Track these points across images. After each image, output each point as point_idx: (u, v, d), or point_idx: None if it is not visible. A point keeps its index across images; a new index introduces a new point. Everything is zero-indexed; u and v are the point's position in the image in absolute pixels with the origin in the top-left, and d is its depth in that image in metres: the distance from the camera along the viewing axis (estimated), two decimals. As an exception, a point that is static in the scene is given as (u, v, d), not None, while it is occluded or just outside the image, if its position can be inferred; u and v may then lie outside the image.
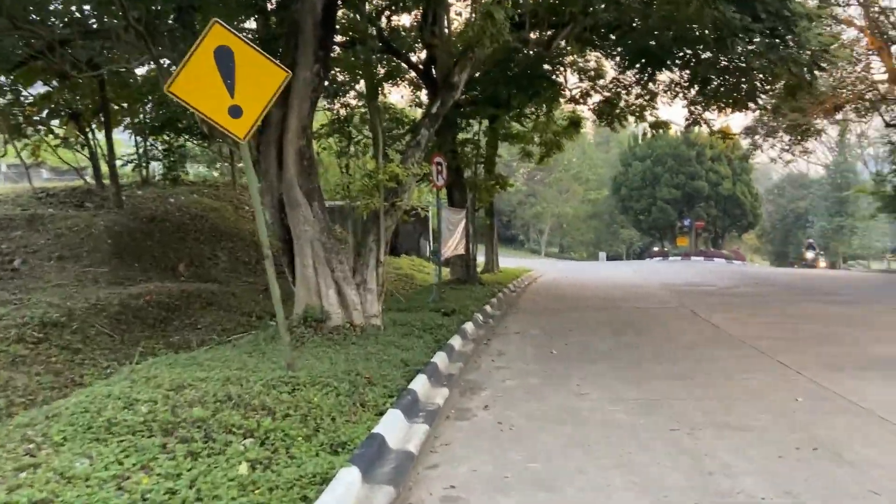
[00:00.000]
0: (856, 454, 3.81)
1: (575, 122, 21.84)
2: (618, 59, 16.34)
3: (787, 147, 25.52)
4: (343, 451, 3.76)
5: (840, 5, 20.64)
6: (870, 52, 21.44)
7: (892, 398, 4.99)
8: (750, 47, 11.27)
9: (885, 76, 21.89)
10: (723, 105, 16.38)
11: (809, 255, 27.64)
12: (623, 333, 8.65)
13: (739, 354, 6.88)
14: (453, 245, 13.00)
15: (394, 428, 4.16)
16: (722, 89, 12.96)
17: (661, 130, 19.20)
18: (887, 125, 23.34)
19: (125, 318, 9.75)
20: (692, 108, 17.59)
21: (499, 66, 12.81)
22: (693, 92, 15.81)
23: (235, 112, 4.64)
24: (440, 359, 6.31)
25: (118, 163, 16.15)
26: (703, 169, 41.41)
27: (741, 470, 3.61)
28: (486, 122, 17.61)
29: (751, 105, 16.05)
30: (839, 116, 24.04)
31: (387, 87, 16.09)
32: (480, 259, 23.73)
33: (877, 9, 20.44)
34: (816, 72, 12.43)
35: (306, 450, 3.72)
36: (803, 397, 5.06)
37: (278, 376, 4.84)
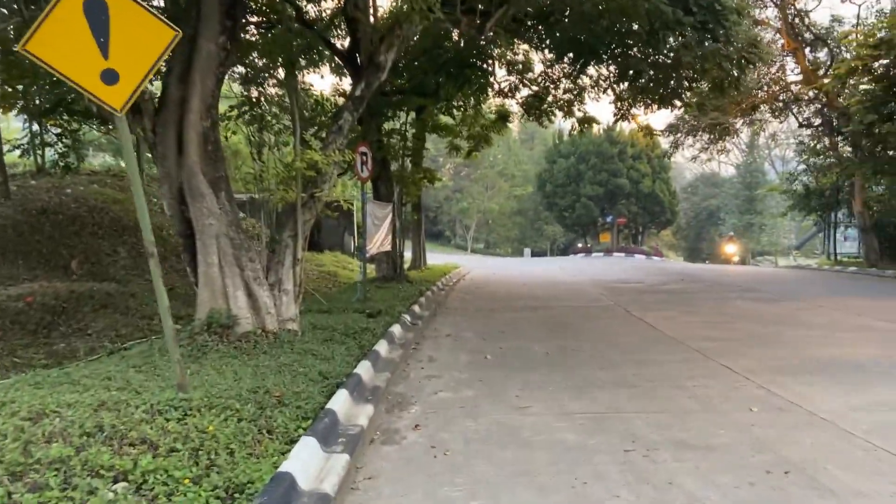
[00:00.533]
0: (833, 479, 3.40)
1: (503, 116, 21.52)
2: (547, 51, 16.06)
3: (706, 146, 26.19)
4: (241, 497, 3.03)
5: (758, 7, 21.22)
6: (785, 54, 22.18)
7: (846, 407, 4.70)
8: (681, 40, 11.13)
9: (800, 77, 22.73)
10: (650, 101, 16.40)
11: (730, 249, 28.45)
12: (559, 335, 8.21)
13: (682, 358, 6.53)
14: (379, 241, 12.27)
15: (307, 462, 3.44)
16: (651, 84, 12.83)
17: (588, 126, 19.11)
18: (800, 125, 24.29)
19: (0, 323, 8.54)
20: (620, 103, 17.57)
21: (427, 54, 12.18)
22: (623, 87, 15.71)
23: (110, 77, 3.78)
24: (364, 369, 5.62)
25: (5, 148, 14.46)
26: (625, 167, 42.30)
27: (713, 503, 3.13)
28: (413, 114, 16.95)
29: (676, 102, 16.14)
30: (755, 116, 24.81)
31: (308, 73, 15.20)
32: (408, 255, 23.06)
33: (792, 11, 21.13)
34: (744, 68, 12.51)
35: (193, 497, 2.96)
36: (758, 407, 4.69)
37: (167, 399, 4.02)
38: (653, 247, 46.19)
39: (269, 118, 8.51)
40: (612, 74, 15.28)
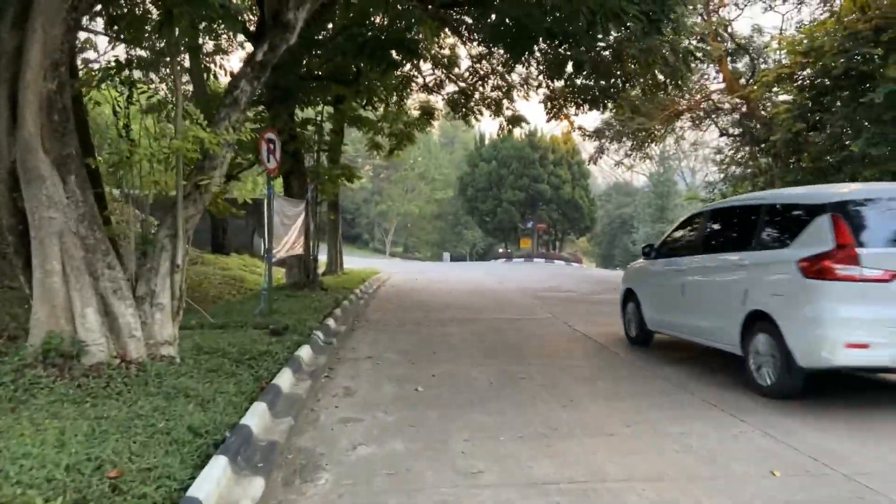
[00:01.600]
0: None
1: (428, 113, 20.30)
2: (478, 42, 14.99)
3: (629, 152, 26.01)
4: None
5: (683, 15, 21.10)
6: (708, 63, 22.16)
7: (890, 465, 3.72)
8: (624, 32, 10.28)
9: (722, 85, 22.81)
10: (581, 101, 15.63)
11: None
12: (501, 356, 7.02)
13: (654, 391, 5.45)
14: (289, 243, 10.72)
15: None
16: (590, 79, 11.90)
17: (516, 126, 18.22)
18: (721, 133, 24.42)
19: None
20: (550, 103, 16.75)
21: (346, 31, 10.74)
22: (555, 85, 14.84)
23: None
24: (258, 415, 4.18)
25: None
26: (546, 173, 42.19)
27: None
28: (330, 106, 15.45)
29: (608, 103, 15.45)
30: (678, 125, 24.80)
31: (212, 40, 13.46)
32: (323, 259, 21.44)
33: (717, 18, 21.10)
34: (689, 64, 11.86)
35: None
36: (778, 468, 3.62)
37: None
38: (572, 253, 46.37)
39: (142, 85, 6.84)
40: (546, 69, 14.36)
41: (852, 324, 4.75)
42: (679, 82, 11.89)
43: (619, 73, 11.45)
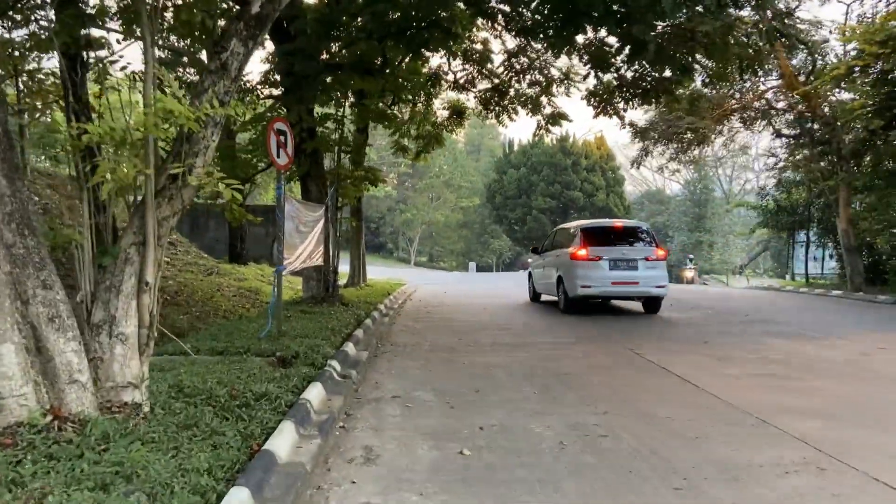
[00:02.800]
0: None
1: (458, 112, 18.94)
2: (516, 30, 13.55)
3: (674, 155, 24.32)
4: None
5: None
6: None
7: None
8: (697, 8, 8.75)
9: (777, 82, 21.06)
10: (631, 95, 14.11)
11: (688, 273, 26.38)
12: (564, 398, 5.52)
13: (796, 461, 3.89)
14: (306, 253, 9.36)
15: None
16: (647, 66, 10.26)
17: (556, 125, 16.71)
18: (777, 135, 22.61)
19: None
20: (596, 97, 15.24)
21: (370, 8, 9.35)
22: (606, 75, 13.32)
23: None
24: (232, 514, 2.77)
25: None
26: (579, 179, 40.53)
27: None
28: (351, 100, 14.14)
29: (662, 97, 13.90)
30: (726, 126, 23.06)
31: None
32: (344, 269, 20.19)
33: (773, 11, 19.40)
34: (773, 42, 10.29)
35: None
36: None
37: None
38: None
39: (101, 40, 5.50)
40: (591, 60, 12.85)
41: (584, 278, 11.48)
42: (756, 66, 10.30)
43: (685, 54, 9.85)
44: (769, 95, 22.20)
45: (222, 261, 19.43)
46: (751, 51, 9.74)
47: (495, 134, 75.52)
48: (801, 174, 23.63)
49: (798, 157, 22.06)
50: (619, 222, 13.79)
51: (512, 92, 17.33)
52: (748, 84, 22.18)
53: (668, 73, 11.89)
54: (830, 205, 22.93)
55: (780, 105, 22.16)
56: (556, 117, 16.37)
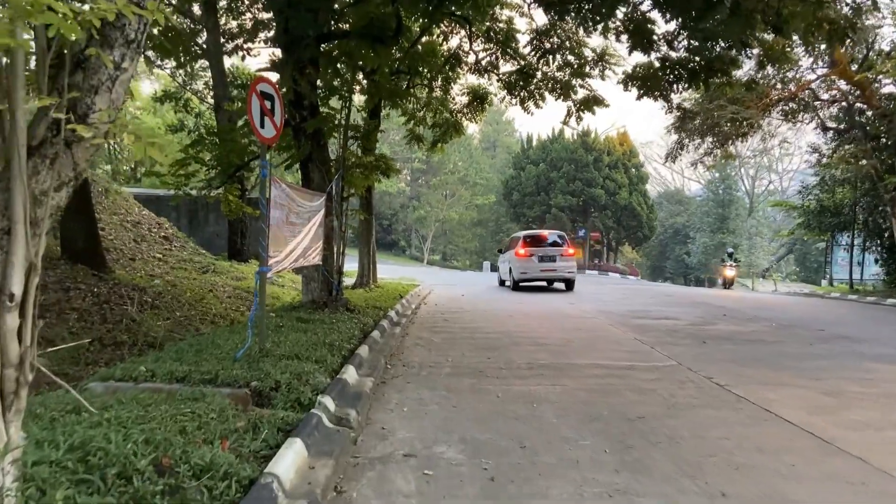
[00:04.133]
0: None
1: (479, 98, 17.29)
2: (546, 3, 11.88)
3: (709, 149, 22.50)
4: None
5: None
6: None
7: None
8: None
9: (825, 71, 19.19)
10: (676, 78, 12.41)
11: (730, 272, 24.27)
12: (653, 465, 3.83)
13: None
14: (300, 249, 7.75)
15: None
16: (729, 20, 8.54)
17: (589, 110, 14.97)
18: (823, 128, 20.73)
19: None
20: (634, 81, 13.55)
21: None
22: (647, 55, 11.62)
23: None
24: None
25: None
26: (601, 176, 38.63)
27: None
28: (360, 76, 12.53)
29: (715, 79, 12.19)
30: (772, 116, 21.20)
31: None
32: (352, 267, 18.62)
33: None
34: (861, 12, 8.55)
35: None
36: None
37: None
38: (628, 265, 42.65)
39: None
40: (631, 38, 11.16)
41: (521, 269, 19.28)
42: (849, 34, 8.55)
43: (768, 8, 8.07)
44: (814, 85, 20.35)
45: (220, 257, 17.94)
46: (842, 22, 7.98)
47: (511, 130, 73.80)
48: (847, 171, 21.74)
49: (845, 152, 20.15)
50: (545, 232, 21.05)
51: (539, 75, 15.65)
52: (790, 74, 20.37)
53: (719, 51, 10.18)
54: (878, 205, 21.05)
55: (828, 96, 20.31)
56: (591, 102, 14.65)
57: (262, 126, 5.89)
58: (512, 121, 74.56)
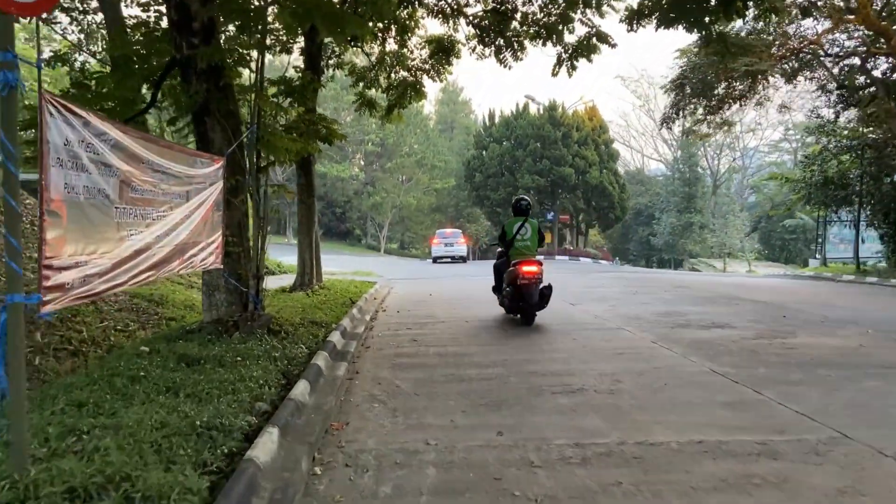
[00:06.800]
0: None
1: (444, 49, 14.05)
2: None
3: (701, 118, 19.77)
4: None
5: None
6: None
7: None
8: None
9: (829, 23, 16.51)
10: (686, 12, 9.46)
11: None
12: None
13: None
14: (169, 248, 4.42)
15: None
16: None
17: (587, 58, 11.83)
18: (839, 86, 18.15)
19: None
20: (637, 21, 10.57)
21: None
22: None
23: None
24: None
25: None
26: (570, 153, 35.66)
27: None
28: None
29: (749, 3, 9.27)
30: (768, 76, 18.49)
31: None
32: (288, 261, 15.46)
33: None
34: None
35: None
36: None
37: None
38: (600, 249, 40.08)
39: None
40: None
41: (436, 251, 32.77)
42: None
43: None
44: (825, 39, 17.75)
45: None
46: None
47: (468, 111, 70.50)
48: (851, 138, 19.32)
49: (864, 112, 17.62)
50: (449, 230, 33.23)
51: (518, 17, 12.48)
52: (791, 27, 17.74)
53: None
54: (889, 174, 18.70)
55: (836, 49, 17.74)
56: (587, 45, 11.51)
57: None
58: (469, 101, 71.28)
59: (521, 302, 8.30)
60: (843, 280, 17.87)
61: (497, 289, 9.32)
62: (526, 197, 9.49)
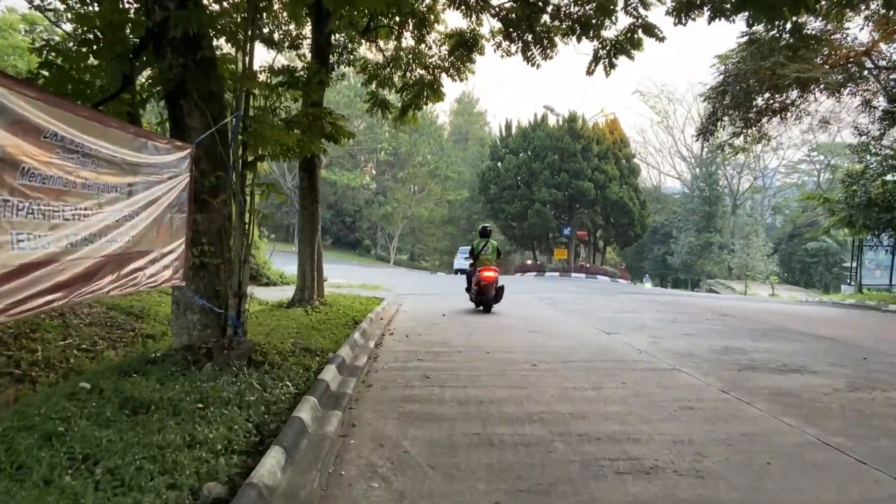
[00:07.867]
0: None
1: (467, 45, 12.84)
2: None
3: (738, 130, 18.42)
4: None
5: None
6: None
7: None
8: None
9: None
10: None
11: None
12: None
13: None
14: (94, 262, 3.16)
15: None
16: None
17: (633, 52, 10.54)
18: (891, 100, 16.77)
19: None
20: (683, 14, 9.31)
21: None
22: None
23: None
24: None
25: None
26: (589, 167, 34.28)
27: None
28: None
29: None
30: (818, 86, 17.13)
31: None
32: (291, 270, 14.29)
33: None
34: None
35: None
36: None
37: None
38: (618, 266, 38.60)
39: None
40: None
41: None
42: None
43: None
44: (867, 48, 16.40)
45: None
46: None
47: (483, 122, 69.45)
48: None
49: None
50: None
51: (550, 9, 11.24)
52: (837, 36, 16.40)
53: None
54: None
55: (888, 62, 16.38)
56: (633, 36, 10.22)
57: None
58: (484, 112, 70.25)
59: (482, 296, 12.06)
60: (892, 310, 16.39)
61: (468, 289, 12.91)
62: (488, 224, 13.66)
